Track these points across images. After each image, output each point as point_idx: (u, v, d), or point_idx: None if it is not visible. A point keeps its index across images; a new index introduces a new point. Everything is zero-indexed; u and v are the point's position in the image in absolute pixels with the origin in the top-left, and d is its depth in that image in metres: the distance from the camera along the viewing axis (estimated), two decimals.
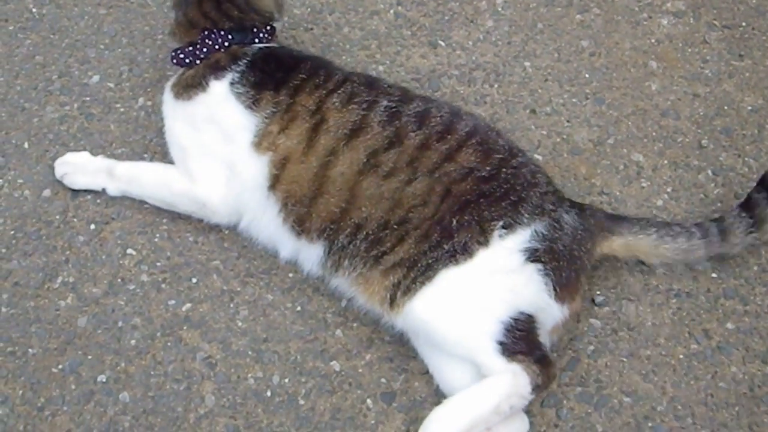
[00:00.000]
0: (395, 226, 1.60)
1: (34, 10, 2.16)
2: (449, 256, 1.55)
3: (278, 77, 1.73)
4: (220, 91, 1.74)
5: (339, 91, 1.70)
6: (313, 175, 1.65)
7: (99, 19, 2.15)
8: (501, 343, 1.51)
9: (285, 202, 1.67)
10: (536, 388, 1.51)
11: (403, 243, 1.59)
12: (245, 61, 1.76)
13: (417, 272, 1.56)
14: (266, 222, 1.72)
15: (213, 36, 1.78)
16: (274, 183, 1.68)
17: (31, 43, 2.10)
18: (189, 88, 1.77)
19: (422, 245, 1.57)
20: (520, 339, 1.52)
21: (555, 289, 1.56)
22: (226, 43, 1.78)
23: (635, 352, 1.69)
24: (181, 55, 1.80)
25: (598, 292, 1.75)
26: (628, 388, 1.65)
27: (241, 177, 1.71)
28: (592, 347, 1.69)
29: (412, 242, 1.58)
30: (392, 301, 1.58)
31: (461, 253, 1.55)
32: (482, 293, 1.54)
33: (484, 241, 1.55)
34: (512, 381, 1.49)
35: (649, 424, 1.61)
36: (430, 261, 1.55)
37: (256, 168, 1.69)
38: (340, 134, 1.65)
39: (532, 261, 1.56)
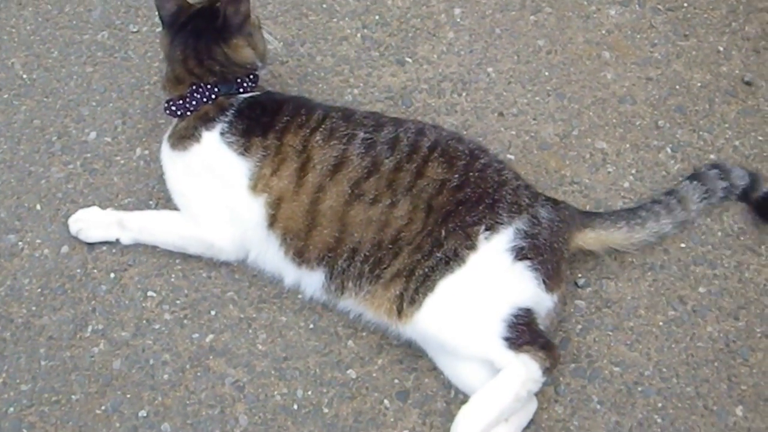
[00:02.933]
0: (389, 246, 1.74)
1: (24, 76, 2.28)
2: (444, 264, 1.70)
3: (264, 122, 1.86)
4: (212, 141, 1.87)
5: (321, 129, 1.83)
6: (305, 211, 1.79)
7: (87, 77, 2.27)
8: (507, 339, 1.66)
9: (284, 237, 1.81)
10: (546, 371, 1.66)
11: (399, 257, 1.73)
12: (232, 111, 1.88)
13: (417, 282, 1.70)
14: (270, 256, 1.86)
15: (200, 90, 1.91)
16: (272, 222, 1.81)
17: (27, 109, 2.22)
18: (183, 139, 1.90)
19: (416, 255, 1.72)
20: (523, 331, 1.67)
21: (544, 282, 1.71)
22: (213, 96, 1.90)
23: (619, 325, 1.85)
24: (173, 107, 1.93)
25: (579, 275, 1.91)
26: (617, 359, 1.81)
27: (242, 218, 1.84)
28: (579, 326, 1.85)
29: (406, 255, 1.73)
30: (399, 312, 1.72)
31: (453, 259, 1.70)
32: (481, 297, 1.69)
33: (471, 246, 1.70)
34: (524, 370, 1.65)
35: (639, 389, 1.77)
36: (426, 270, 1.70)
37: (254, 209, 1.82)
38: (325, 170, 1.79)
39: (519, 259, 1.70)
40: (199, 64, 1.92)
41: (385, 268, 1.74)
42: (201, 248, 1.93)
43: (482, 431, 1.64)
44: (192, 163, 1.89)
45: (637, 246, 1.89)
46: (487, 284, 1.70)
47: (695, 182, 1.95)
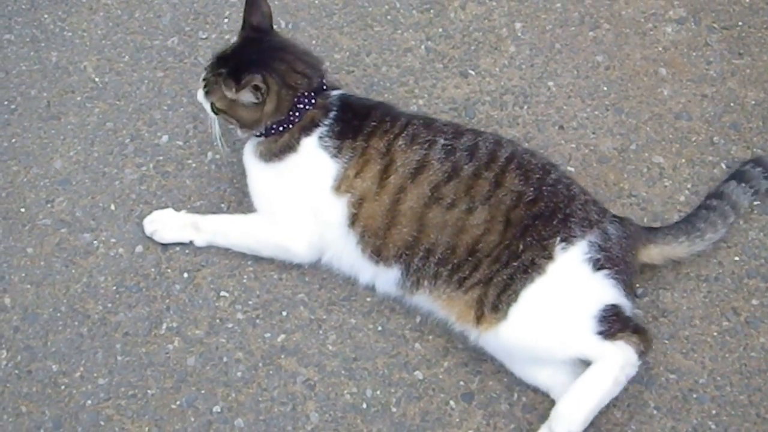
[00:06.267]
0: (468, 257, 1.81)
1: (96, 79, 2.35)
2: (523, 272, 1.76)
3: (355, 125, 1.92)
4: (309, 147, 1.92)
5: (404, 134, 1.90)
6: (386, 210, 1.86)
7: (158, 82, 2.34)
8: (600, 332, 1.74)
9: (363, 235, 1.88)
10: (641, 354, 1.74)
11: (479, 268, 1.80)
12: (333, 111, 1.93)
13: (497, 288, 1.77)
14: (347, 255, 1.92)
15: (303, 99, 1.92)
16: (353, 221, 1.88)
17: (99, 111, 2.29)
18: (281, 152, 1.93)
19: (494, 266, 1.79)
20: (614, 321, 1.75)
21: (624, 289, 1.78)
22: (314, 101, 1.93)
23: (675, 334, 1.92)
24: (274, 127, 1.93)
25: (637, 285, 1.95)
26: (673, 366, 1.88)
27: (323, 219, 1.91)
28: None
29: (486, 266, 1.80)
30: (479, 318, 1.79)
31: (532, 268, 1.76)
32: (567, 301, 1.77)
33: (548, 256, 1.77)
34: (621, 355, 1.73)
35: (694, 396, 1.84)
36: (505, 277, 1.77)
37: (336, 209, 1.89)
38: (407, 173, 1.86)
39: (598, 269, 1.77)
40: (305, 70, 1.95)
41: (465, 278, 1.81)
42: (276, 252, 2.00)
43: (585, 420, 1.72)
44: (284, 172, 1.94)
45: (695, 255, 1.97)
46: (571, 290, 1.77)
47: (742, 183, 2.02)
